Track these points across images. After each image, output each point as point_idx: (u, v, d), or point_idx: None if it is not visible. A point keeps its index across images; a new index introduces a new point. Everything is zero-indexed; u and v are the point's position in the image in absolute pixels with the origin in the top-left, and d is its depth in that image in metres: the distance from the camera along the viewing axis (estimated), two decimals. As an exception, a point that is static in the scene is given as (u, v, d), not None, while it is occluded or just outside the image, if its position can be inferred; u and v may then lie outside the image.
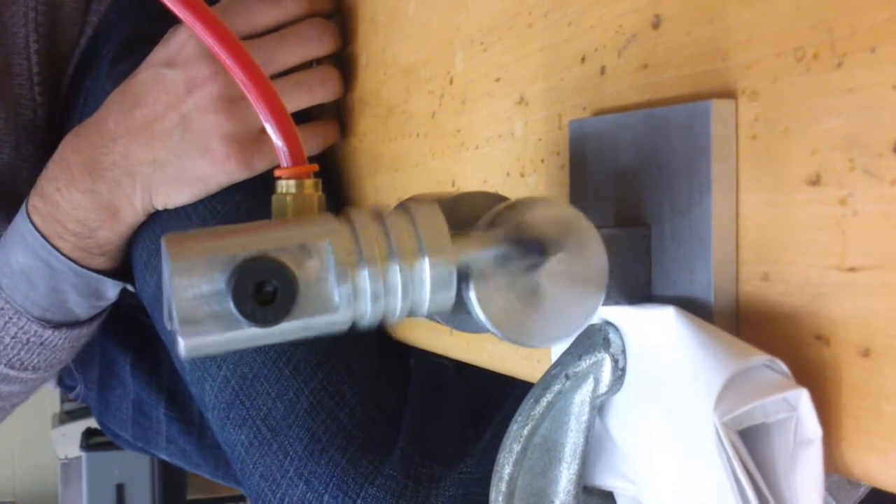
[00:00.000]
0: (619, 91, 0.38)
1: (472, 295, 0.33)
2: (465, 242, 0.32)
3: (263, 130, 0.58)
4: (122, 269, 0.74)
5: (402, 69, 0.60)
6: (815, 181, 0.29)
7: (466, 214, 0.37)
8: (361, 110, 0.69)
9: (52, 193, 0.67)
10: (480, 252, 0.32)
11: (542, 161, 0.44)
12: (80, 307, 0.73)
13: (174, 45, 0.63)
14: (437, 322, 0.39)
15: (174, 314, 0.29)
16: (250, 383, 0.64)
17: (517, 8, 0.46)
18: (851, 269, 0.28)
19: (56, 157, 0.68)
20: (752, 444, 0.31)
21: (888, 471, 0.28)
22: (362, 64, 0.67)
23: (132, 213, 0.67)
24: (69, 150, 0.67)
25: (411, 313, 0.32)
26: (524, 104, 0.46)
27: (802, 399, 0.29)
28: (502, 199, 0.38)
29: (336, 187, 0.74)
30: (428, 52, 0.56)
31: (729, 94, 0.33)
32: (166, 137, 0.62)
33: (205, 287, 0.29)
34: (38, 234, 0.68)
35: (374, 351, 0.66)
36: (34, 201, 0.68)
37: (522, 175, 0.46)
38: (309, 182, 0.33)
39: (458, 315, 0.37)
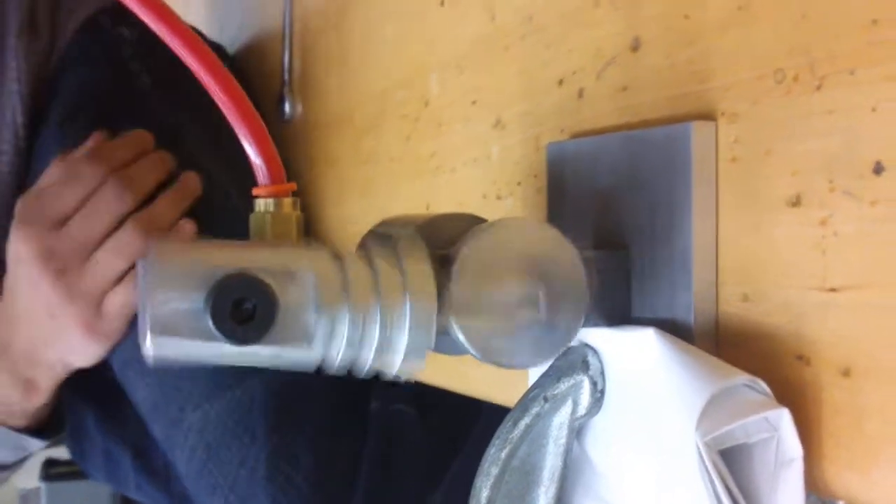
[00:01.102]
0: (598, 114, 0.39)
1: (453, 319, 0.33)
2: (452, 271, 0.32)
3: (102, 296, 0.67)
4: (48, 423, 0.77)
5: (376, 93, 0.60)
6: (796, 202, 0.30)
7: (444, 236, 0.37)
8: (331, 134, 0.69)
9: None
10: (464, 280, 0.32)
11: (519, 184, 0.44)
12: (7, 456, 0.78)
13: (13, 246, 0.68)
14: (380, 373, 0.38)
15: (147, 316, 0.29)
16: (215, 452, 0.67)
17: (493, 31, 0.46)
18: (832, 290, 0.28)
19: None
20: (732, 464, 0.31)
21: (869, 489, 0.28)
22: (334, 87, 0.67)
23: (51, 382, 0.71)
24: None
25: (384, 358, 0.31)
26: (501, 127, 0.46)
27: (784, 419, 0.29)
28: (480, 220, 0.38)
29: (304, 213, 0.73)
30: (403, 76, 0.56)
31: (708, 116, 0.33)
32: (43, 323, 0.68)
33: (184, 297, 0.29)
34: None
35: (327, 408, 0.68)
36: None
37: (499, 198, 0.46)
38: (287, 201, 0.33)
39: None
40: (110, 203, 0.67)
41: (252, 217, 0.33)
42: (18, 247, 0.68)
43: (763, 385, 0.30)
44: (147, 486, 0.86)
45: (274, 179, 0.33)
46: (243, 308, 0.29)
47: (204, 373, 0.67)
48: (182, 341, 0.29)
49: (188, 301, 0.29)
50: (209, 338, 0.29)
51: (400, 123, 0.57)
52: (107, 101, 0.76)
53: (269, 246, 0.31)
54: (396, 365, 0.31)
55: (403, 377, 0.33)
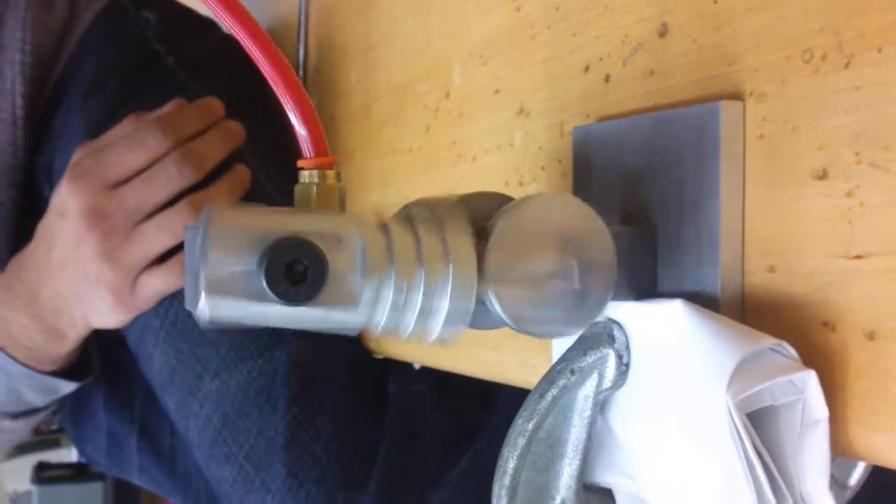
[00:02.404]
0: (624, 98, 0.40)
1: (489, 288, 0.34)
2: (488, 243, 0.33)
3: (140, 271, 0.67)
4: (76, 366, 0.77)
5: (396, 86, 0.62)
6: (822, 175, 0.31)
7: (477, 213, 0.38)
8: (350, 129, 0.70)
9: (2, 313, 0.71)
10: (502, 251, 0.33)
11: (543, 169, 0.46)
12: (38, 399, 0.77)
13: (61, 197, 0.68)
14: (419, 338, 0.40)
15: (201, 282, 0.30)
16: (232, 421, 0.67)
17: (519, 22, 0.47)
18: (858, 257, 0.30)
19: (3, 280, 0.73)
20: (758, 426, 0.32)
21: (894, 449, 0.29)
22: (352, 82, 0.69)
23: (75, 333, 0.71)
24: (14, 278, 0.71)
25: (424, 318, 0.33)
26: (524, 114, 0.47)
27: (810, 381, 0.31)
28: (509, 198, 0.39)
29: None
30: (424, 68, 0.58)
31: (736, 96, 0.34)
32: (76, 278, 0.68)
33: (239, 258, 0.30)
34: None
35: (348, 383, 0.68)
36: None
37: (521, 184, 0.48)
38: (331, 173, 0.34)
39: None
40: (171, 176, 0.67)
41: (297, 188, 0.34)
42: (68, 199, 0.67)
43: (790, 349, 0.31)
44: (150, 468, 0.87)
45: (319, 152, 0.34)
46: (295, 270, 0.30)
47: (225, 342, 0.67)
48: (235, 302, 0.30)
49: (243, 263, 0.30)
50: (262, 298, 0.30)
51: (420, 114, 0.58)
52: (133, 75, 0.77)
53: (317, 213, 0.32)
54: (437, 330, 0.33)
55: (442, 344, 0.34)
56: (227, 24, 0.33)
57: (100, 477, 2.00)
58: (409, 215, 0.33)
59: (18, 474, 2.17)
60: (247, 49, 0.33)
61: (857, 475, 0.43)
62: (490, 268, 0.34)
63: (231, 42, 0.91)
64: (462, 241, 0.32)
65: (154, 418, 0.86)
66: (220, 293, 0.30)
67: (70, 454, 2.61)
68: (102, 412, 0.88)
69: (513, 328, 0.35)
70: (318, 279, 0.30)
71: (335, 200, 0.34)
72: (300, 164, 0.34)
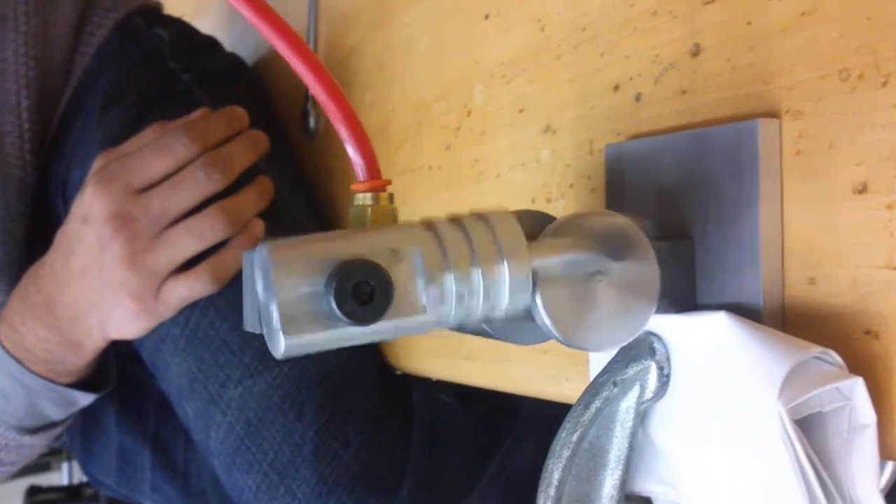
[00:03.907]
0: (656, 116, 0.41)
1: (538, 300, 0.35)
2: (536, 249, 0.34)
3: (165, 277, 0.66)
4: (93, 377, 0.77)
5: (412, 104, 0.63)
6: (862, 189, 0.32)
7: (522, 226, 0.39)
8: (363, 147, 0.71)
9: (18, 325, 0.71)
10: (549, 259, 0.35)
11: (571, 186, 0.47)
12: (56, 413, 0.76)
13: (85, 202, 0.67)
14: (487, 335, 0.41)
15: (273, 313, 0.31)
16: (255, 428, 0.67)
17: (543, 42, 0.49)
18: (900, 268, 0.31)
19: (20, 291, 0.72)
20: (805, 432, 0.33)
21: (941, 450, 0.30)
22: (367, 102, 0.70)
23: (93, 343, 0.71)
24: (31, 288, 0.71)
25: (487, 316, 0.34)
26: (551, 132, 0.48)
27: (858, 387, 0.32)
28: (552, 217, 0.40)
29: (342, 227, 0.75)
30: (443, 87, 0.59)
31: (771, 113, 0.36)
32: (97, 286, 0.67)
33: (305, 287, 0.31)
34: (11, 359, 0.71)
35: (376, 391, 0.68)
36: (4, 330, 0.71)
37: (549, 201, 0.49)
38: (384, 195, 0.35)
39: (511, 326, 0.39)
40: (198, 181, 0.66)
41: (351, 210, 0.35)
42: (93, 204, 0.66)
43: (836, 356, 0.32)
44: (163, 485, 0.87)
45: (372, 175, 0.35)
46: (361, 291, 0.31)
47: (248, 350, 0.67)
48: (305, 326, 0.31)
49: (310, 286, 0.31)
50: (332, 320, 0.31)
51: (439, 133, 0.59)
52: (150, 90, 0.78)
53: (371, 231, 0.33)
54: (504, 306, 0.34)
55: (491, 329, 0.35)
56: (283, 53, 0.34)
57: (93, 499, 1.99)
58: (456, 218, 0.34)
59: (10, 498, 2.16)
60: (301, 76, 0.34)
61: (885, 477, 0.45)
62: (537, 275, 0.35)
63: (238, 59, 0.92)
64: (513, 236, 0.33)
65: (167, 434, 0.86)
66: (292, 318, 0.31)
67: (61, 477, 2.60)
68: (115, 428, 0.88)
69: (558, 339, 0.36)
70: (385, 298, 0.31)
71: (390, 221, 0.35)
72: (353, 187, 0.35)
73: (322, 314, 0.31)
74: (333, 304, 0.30)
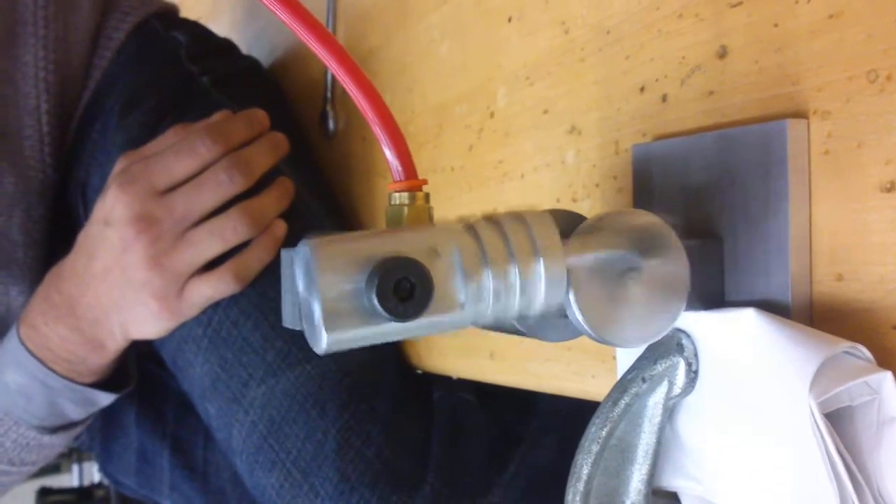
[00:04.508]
0: (683, 117, 0.42)
1: (571, 297, 0.36)
2: (570, 247, 0.35)
3: (188, 277, 0.67)
4: (114, 378, 0.77)
5: (433, 107, 0.64)
6: (890, 188, 0.33)
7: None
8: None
9: (40, 326, 0.72)
10: (583, 256, 0.35)
11: (597, 186, 0.48)
12: (77, 413, 0.77)
13: (107, 204, 0.68)
14: (518, 333, 0.41)
15: (316, 309, 0.32)
16: (278, 427, 0.67)
17: (567, 45, 0.49)
18: (929, 264, 0.32)
19: (42, 291, 0.73)
20: (834, 426, 0.34)
21: (970, 443, 0.31)
22: (386, 103, 0.70)
23: (114, 344, 0.71)
24: (53, 289, 0.72)
25: (522, 313, 0.35)
26: (576, 133, 0.49)
27: (886, 381, 0.32)
28: (582, 217, 0.41)
29: (362, 228, 0.76)
30: (463, 89, 0.60)
31: (799, 114, 0.36)
32: (119, 286, 0.68)
33: (347, 284, 0.32)
34: (33, 359, 0.72)
35: (396, 389, 0.69)
36: (26, 331, 0.72)
37: (574, 200, 0.49)
38: (420, 195, 0.36)
39: (542, 322, 0.39)
40: (221, 182, 0.67)
41: (388, 210, 0.36)
42: (115, 206, 0.67)
43: (865, 351, 0.33)
44: (182, 484, 0.87)
45: (408, 176, 0.36)
46: (402, 287, 0.32)
47: (271, 349, 0.68)
48: (349, 320, 0.32)
49: (352, 283, 0.32)
50: (373, 316, 0.32)
51: (462, 134, 0.60)
52: (170, 94, 0.78)
53: (409, 230, 0.34)
54: (540, 302, 0.34)
55: (522, 326, 0.36)
56: (319, 54, 0.35)
57: (104, 500, 1.99)
58: (493, 217, 0.35)
59: (20, 500, 2.17)
60: (338, 76, 0.35)
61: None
62: (571, 272, 0.35)
63: (255, 62, 0.93)
64: (548, 234, 0.34)
65: (186, 433, 0.87)
66: (334, 314, 0.31)
67: (71, 479, 2.61)
68: (134, 428, 0.89)
69: (591, 336, 0.37)
70: (425, 294, 0.32)
71: (426, 220, 0.36)
72: (389, 187, 0.36)
73: (363, 310, 0.32)
74: (375, 301, 0.31)
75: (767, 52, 0.38)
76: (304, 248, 0.32)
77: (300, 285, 0.33)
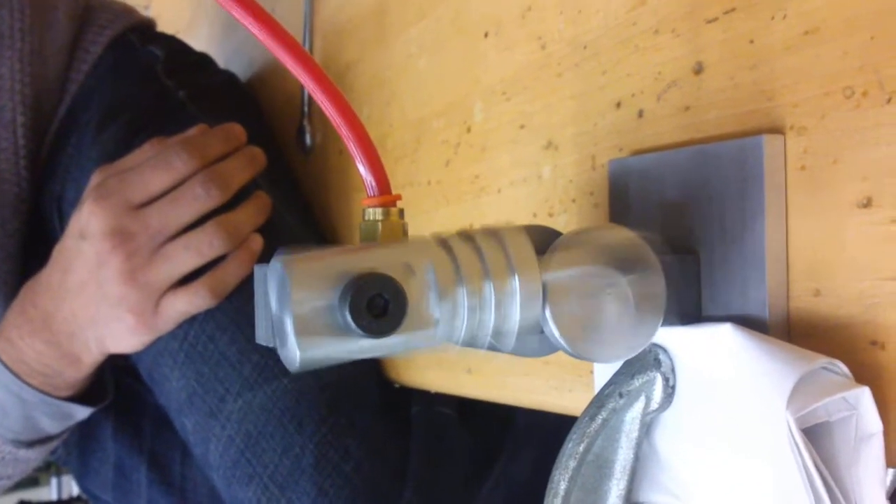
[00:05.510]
0: (659, 132, 0.42)
1: (548, 313, 0.36)
2: (546, 263, 0.35)
3: (164, 292, 0.66)
4: (90, 390, 0.77)
5: (411, 121, 0.63)
6: (867, 204, 0.33)
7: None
8: (360, 163, 0.71)
9: (16, 339, 0.71)
10: (559, 272, 0.35)
11: (574, 201, 0.48)
12: (53, 427, 0.76)
13: (83, 218, 0.67)
14: (494, 349, 0.41)
15: (288, 326, 0.31)
16: (255, 441, 0.67)
17: (544, 60, 0.49)
18: (905, 280, 0.32)
19: (17, 305, 0.72)
20: (812, 442, 0.34)
21: (947, 459, 0.31)
22: (364, 116, 0.70)
23: (90, 358, 0.71)
24: (28, 303, 0.71)
25: (498, 330, 0.34)
26: (553, 148, 0.49)
27: (864, 397, 0.32)
28: (558, 232, 0.41)
29: (339, 242, 0.76)
30: (442, 104, 0.59)
31: (775, 130, 0.36)
32: (95, 301, 0.68)
33: (320, 301, 0.31)
34: (9, 373, 0.71)
35: (375, 404, 0.69)
36: (1, 344, 0.72)
37: (551, 215, 0.49)
38: (395, 210, 0.36)
39: (519, 338, 0.39)
40: (197, 197, 0.67)
41: (362, 225, 0.36)
42: (90, 220, 0.66)
43: (842, 366, 0.33)
44: (160, 500, 0.87)
45: (382, 191, 0.35)
46: (376, 304, 0.31)
47: (248, 362, 0.68)
48: (320, 337, 0.31)
49: (325, 299, 0.31)
50: (347, 333, 0.31)
51: (439, 149, 0.60)
52: (146, 108, 0.78)
53: (383, 246, 0.33)
54: (511, 340, 0.34)
55: (497, 342, 0.36)
56: (291, 69, 0.34)
57: (82, 515, 1.97)
58: (467, 233, 0.34)
59: (-3, 516, 2.14)
60: (311, 92, 0.35)
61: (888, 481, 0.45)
62: (547, 287, 0.35)
63: (232, 76, 0.92)
64: (523, 250, 0.34)
65: (164, 448, 0.86)
66: (307, 331, 0.31)
67: (50, 492, 2.58)
68: (111, 442, 0.88)
69: (568, 352, 0.37)
70: (399, 310, 0.31)
71: (400, 236, 0.35)
72: (364, 202, 0.36)
73: (336, 327, 0.31)
74: (348, 317, 0.31)
75: (743, 69, 0.38)
76: (276, 264, 0.32)
77: (273, 301, 0.32)
